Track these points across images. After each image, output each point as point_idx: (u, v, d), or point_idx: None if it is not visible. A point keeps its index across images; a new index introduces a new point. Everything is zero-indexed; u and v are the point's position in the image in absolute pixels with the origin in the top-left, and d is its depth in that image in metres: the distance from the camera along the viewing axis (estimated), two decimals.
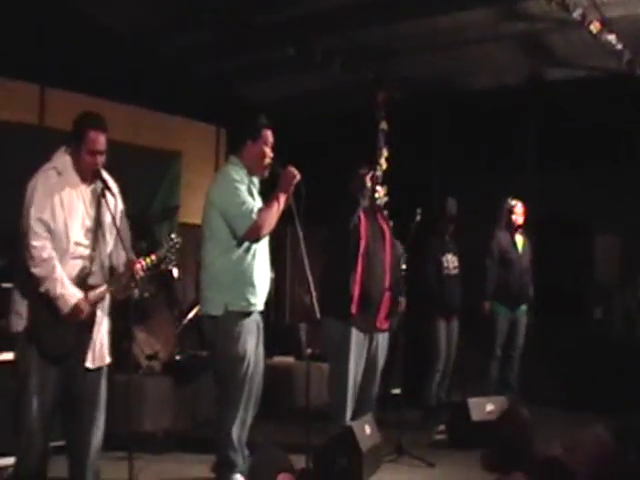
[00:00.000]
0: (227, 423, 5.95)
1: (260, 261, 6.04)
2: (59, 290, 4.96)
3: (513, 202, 8.88)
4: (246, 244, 5.92)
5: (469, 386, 8.52)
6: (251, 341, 5.97)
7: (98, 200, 5.18)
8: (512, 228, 8.88)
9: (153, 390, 7.70)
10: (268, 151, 6.11)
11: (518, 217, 8.87)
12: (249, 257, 5.95)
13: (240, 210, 5.88)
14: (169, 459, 6.79)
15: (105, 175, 5.28)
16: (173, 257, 5.46)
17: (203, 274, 6.08)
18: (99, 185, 5.18)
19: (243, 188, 5.99)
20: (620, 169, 10.00)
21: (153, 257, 5.35)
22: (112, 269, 5.30)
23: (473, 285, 8.82)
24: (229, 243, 5.92)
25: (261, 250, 6.06)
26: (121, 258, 5.24)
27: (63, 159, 5.14)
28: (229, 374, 5.94)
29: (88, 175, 5.14)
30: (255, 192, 6.14)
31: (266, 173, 6.14)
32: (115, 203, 5.31)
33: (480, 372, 8.77)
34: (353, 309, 6.85)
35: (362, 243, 6.96)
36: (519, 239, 8.96)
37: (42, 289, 4.96)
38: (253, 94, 10.93)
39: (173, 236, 5.49)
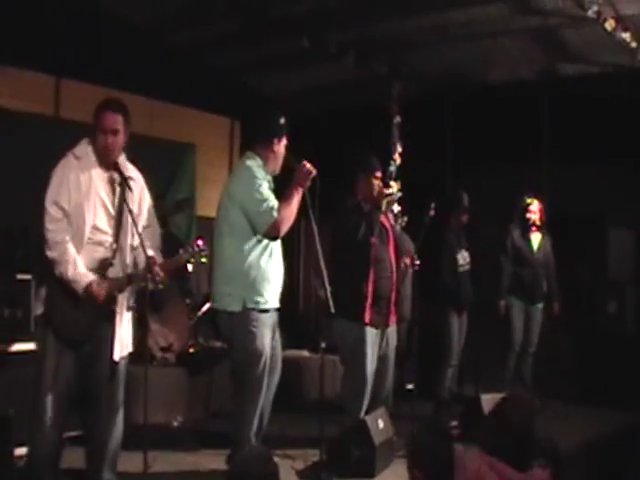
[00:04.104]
0: (246, 417, 5.98)
1: (276, 259, 6.08)
2: (71, 272, 5.00)
3: (528, 200, 8.86)
4: (264, 241, 5.94)
5: (482, 379, 8.55)
6: (268, 335, 6.00)
7: (121, 190, 5.23)
8: (526, 226, 8.86)
9: (167, 381, 7.75)
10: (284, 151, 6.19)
11: (532, 215, 8.83)
12: (267, 254, 5.99)
13: (262, 207, 5.90)
14: (183, 450, 6.80)
15: (129, 167, 5.34)
16: (193, 260, 5.45)
17: (220, 269, 6.09)
18: (124, 175, 5.24)
19: (265, 185, 6.02)
20: (634, 164, 9.96)
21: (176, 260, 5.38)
22: (135, 262, 5.34)
23: (487, 279, 8.83)
24: (249, 239, 5.93)
25: (276, 248, 6.10)
26: (142, 254, 5.27)
27: (84, 147, 5.22)
28: (248, 370, 5.96)
29: (107, 158, 5.20)
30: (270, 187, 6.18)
31: (279, 169, 6.21)
32: (141, 195, 5.39)
33: (493, 366, 8.79)
34: (367, 313, 6.79)
35: (373, 249, 6.88)
36: (535, 237, 8.93)
37: (57, 272, 5.02)
38: (267, 86, 10.93)
39: (200, 242, 5.40)
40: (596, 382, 9.02)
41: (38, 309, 5.19)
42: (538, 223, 8.91)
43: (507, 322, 8.79)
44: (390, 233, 7.10)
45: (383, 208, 6.90)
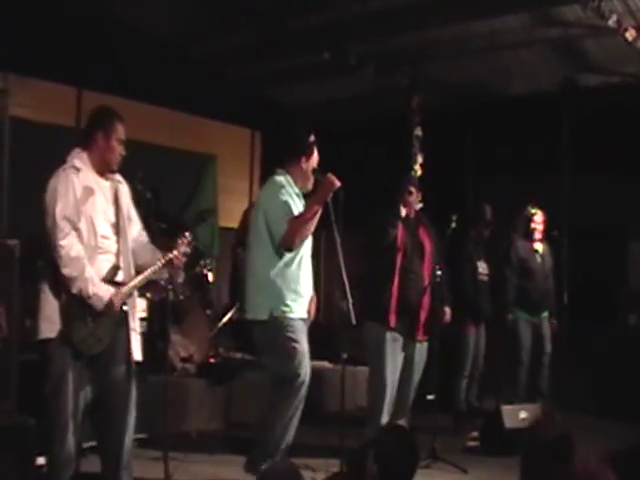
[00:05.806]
0: (279, 423, 5.99)
1: (305, 269, 6.11)
2: (91, 289, 4.97)
3: (532, 210, 8.81)
4: (294, 252, 5.97)
5: (502, 392, 8.52)
6: (305, 341, 6.03)
7: (116, 195, 5.30)
8: (531, 236, 8.82)
9: (187, 392, 7.78)
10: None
11: (537, 225, 8.79)
12: (295, 265, 6.01)
13: (280, 216, 5.92)
14: (203, 460, 6.78)
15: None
16: (183, 252, 5.46)
17: (251, 280, 6.13)
18: (114, 179, 5.32)
19: (291, 199, 6.03)
20: None
21: (176, 253, 5.39)
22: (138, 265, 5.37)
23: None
24: (276, 249, 5.96)
25: (306, 259, 6.12)
26: (145, 252, 5.40)
27: (80, 157, 5.22)
28: (290, 376, 5.96)
29: (112, 165, 5.27)
30: (299, 203, 6.17)
31: (310, 186, 6.21)
32: (128, 197, 5.47)
33: (511, 378, 8.76)
34: (391, 317, 6.87)
35: (398, 256, 6.94)
36: (539, 246, 8.89)
37: (74, 290, 4.97)
38: (288, 98, 10.98)
39: (187, 234, 5.49)
40: (617, 394, 8.97)
41: (51, 331, 5.04)
42: (541, 234, 8.85)
43: (515, 334, 8.74)
44: (426, 251, 7.14)
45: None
